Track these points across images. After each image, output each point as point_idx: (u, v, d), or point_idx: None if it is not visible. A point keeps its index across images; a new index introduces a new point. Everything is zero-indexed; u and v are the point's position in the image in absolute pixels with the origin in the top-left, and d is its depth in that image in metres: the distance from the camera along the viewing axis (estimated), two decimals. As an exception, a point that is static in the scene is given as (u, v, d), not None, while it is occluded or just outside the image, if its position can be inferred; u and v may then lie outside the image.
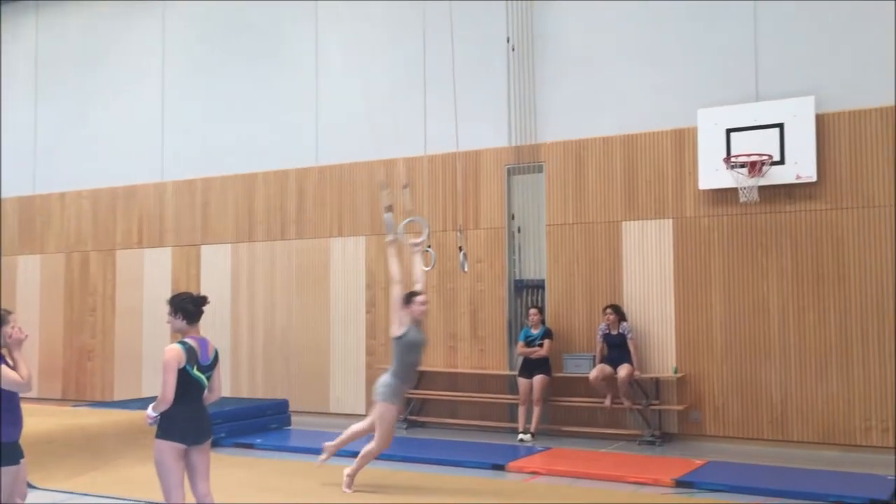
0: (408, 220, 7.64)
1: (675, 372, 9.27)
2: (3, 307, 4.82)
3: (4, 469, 4.58)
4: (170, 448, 4.74)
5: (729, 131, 8.97)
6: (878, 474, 7.30)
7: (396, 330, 6.94)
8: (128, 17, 13.34)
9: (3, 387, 4.52)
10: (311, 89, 11.81)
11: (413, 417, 10.57)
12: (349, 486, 7.01)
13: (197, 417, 4.86)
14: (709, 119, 9.11)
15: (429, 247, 9.30)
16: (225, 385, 10.68)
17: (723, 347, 9.13)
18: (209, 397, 4.98)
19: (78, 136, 13.61)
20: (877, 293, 8.46)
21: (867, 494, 6.59)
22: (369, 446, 7.01)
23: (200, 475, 4.91)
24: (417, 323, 6.96)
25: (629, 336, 9.27)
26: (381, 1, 11.32)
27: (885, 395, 8.35)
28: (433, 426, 10.46)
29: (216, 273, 12.22)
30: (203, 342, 4.92)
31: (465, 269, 9.56)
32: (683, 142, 9.41)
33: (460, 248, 9.44)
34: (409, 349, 6.90)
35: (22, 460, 4.72)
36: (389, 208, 7.76)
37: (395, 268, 7.20)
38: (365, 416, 10.89)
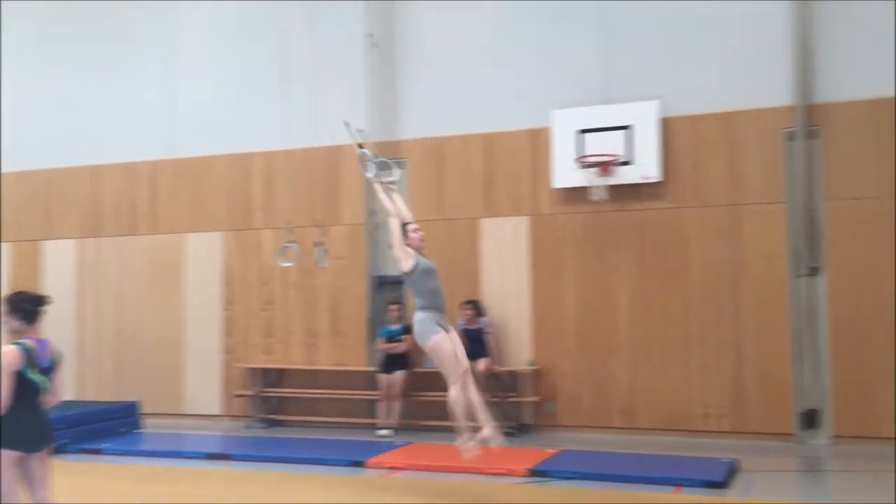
0: (378, 159, 7.37)
1: (531, 365, 9.56)
2: None
3: None
4: (6, 456, 4.45)
5: (581, 132, 9.33)
6: (714, 458, 7.79)
7: (406, 265, 6.57)
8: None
9: None
10: (166, 79, 11.37)
11: (272, 416, 10.40)
12: (471, 440, 6.63)
13: (36, 423, 4.59)
14: (562, 120, 9.44)
15: (292, 241, 9.18)
16: (70, 387, 10.12)
17: (576, 340, 9.49)
18: (49, 401, 4.71)
19: None
20: (715, 288, 9.02)
21: (704, 477, 7.02)
22: (450, 394, 6.57)
23: (39, 483, 4.64)
24: (419, 251, 6.73)
25: (487, 331, 9.47)
26: (239, -10, 11.04)
27: (721, 384, 8.93)
28: (293, 425, 10.33)
29: (59, 270, 11.56)
30: (42, 343, 4.66)
31: (325, 265, 9.47)
32: (538, 141, 9.70)
33: (318, 244, 9.34)
34: (425, 277, 6.62)
35: None
36: (361, 146, 7.45)
37: (386, 201, 6.88)
38: (221, 415, 10.66)
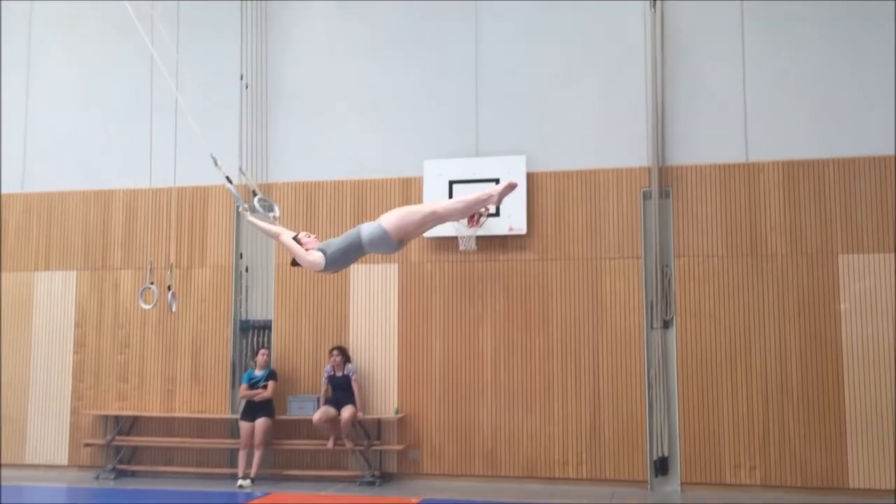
0: (258, 197, 7.05)
1: (397, 412, 9.55)
2: None
3: None
4: None
5: (451, 182, 9.52)
6: (571, 504, 7.99)
7: (319, 264, 5.79)
8: None
9: None
10: (20, 108, 10.82)
11: (122, 467, 9.87)
12: None
13: None
14: (433, 170, 9.62)
15: (151, 283, 8.84)
16: None
17: (441, 388, 9.56)
18: None
19: None
20: (575, 337, 9.34)
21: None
22: None
23: None
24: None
25: (353, 377, 9.41)
26: (101, 21, 10.69)
27: (580, 431, 9.20)
28: (146, 475, 9.85)
29: None
30: None
31: (174, 309, 9.13)
32: (410, 189, 9.82)
33: (169, 288, 9.04)
34: (344, 254, 5.85)
35: None
36: (228, 179, 7.23)
37: (265, 224, 6.53)
38: (68, 466, 10.02)
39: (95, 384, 10.21)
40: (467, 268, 9.62)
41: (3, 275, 10.58)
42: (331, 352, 9.50)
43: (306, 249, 5.91)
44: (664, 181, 9.26)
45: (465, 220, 9.12)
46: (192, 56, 10.00)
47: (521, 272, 9.52)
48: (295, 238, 6.27)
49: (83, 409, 10.13)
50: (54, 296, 10.43)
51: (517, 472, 9.27)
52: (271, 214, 7.05)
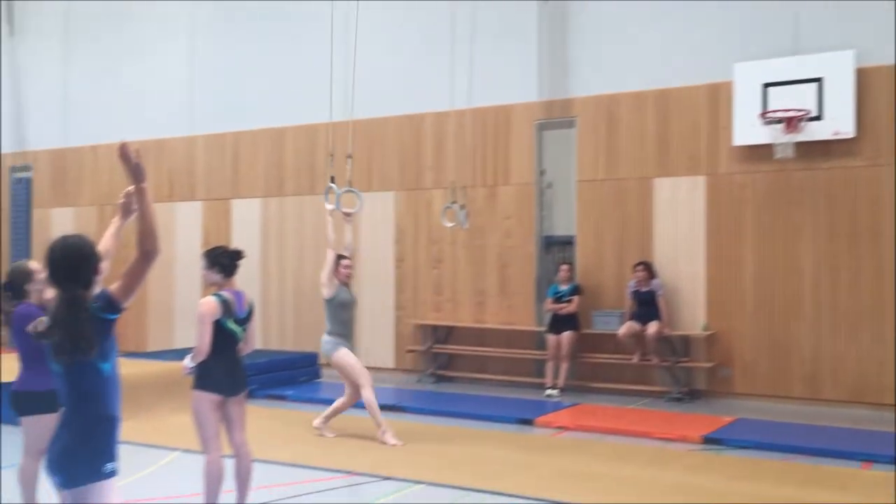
0: (345, 189, 7.58)
1: (705, 329, 9.25)
2: (26, 261, 4.89)
3: (41, 417, 4.48)
4: (207, 399, 4.81)
5: (766, 86, 8.80)
6: (909, 433, 7.26)
7: (327, 293, 7.18)
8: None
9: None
10: (341, 43, 11.71)
11: (441, 372, 10.66)
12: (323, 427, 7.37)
13: (232, 369, 4.93)
14: (745, 73, 8.94)
15: (453, 202, 9.28)
16: (257, 337, 10.81)
17: (754, 305, 9.07)
18: (244, 349, 5.04)
19: (109, 90, 13.63)
20: (913, 252, 8.33)
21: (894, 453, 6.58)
22: (365, 396, 7.20)
23: (236, 425, 4.99)
24: (345, 285, 7.29)
25: (659, 293, 9.23)
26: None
27: (918, 355, 8.27)
28: (461, 381, 10.55)
29: (247, 227, 12.30)
30: (238, 295, 4.97)
31: (465, 226, 9.53)
32: (718, 97, 9.24)
33: (462, 206, 9.36)
34: (341, 309, 7.21)
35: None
36: (332, 178, 7.71)
37: (331, 232, 7.34)
38: (394, 369, 11.04)
39: (414, 296, 11.05)
40: (784, 177, 8.91)
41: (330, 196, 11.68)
42: (635, 267, 9.38)
43: (336, 276, 7.16)
44: None
45: (781, 125, 8.45)
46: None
47: (848, 181, 8.62)
48: (338, 257, 7.24)
49: (405, 318, 11.03)
50: (377, 215, 11.34)
51: (841, 395, 8.60)
52: (351, 210, 7.48)
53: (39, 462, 4.66)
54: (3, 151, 14.63)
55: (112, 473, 3.01)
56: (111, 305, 2.99)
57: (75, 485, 2.96)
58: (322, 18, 11.77)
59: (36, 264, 4.73)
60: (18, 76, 14.50)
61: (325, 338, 7.28)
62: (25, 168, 14.48)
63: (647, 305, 9.26)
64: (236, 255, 5.02)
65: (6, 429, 7.00)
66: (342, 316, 7.24)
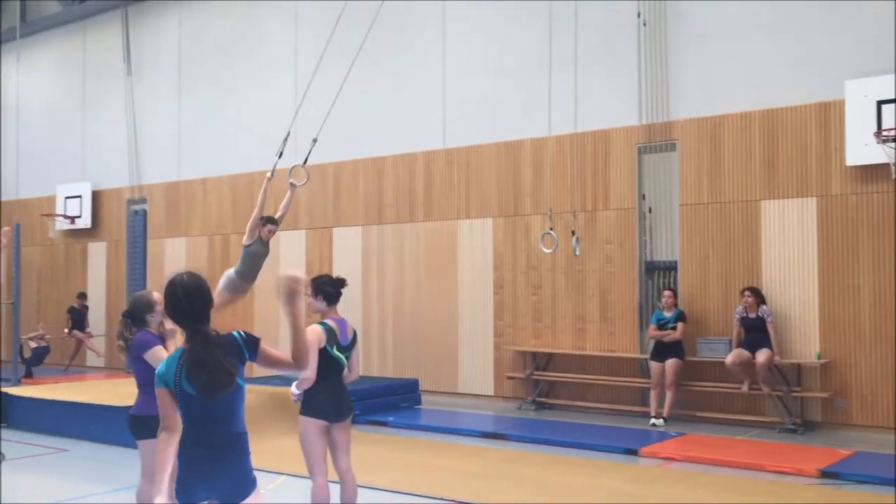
0: (294, 165, 8.60)
1: (819, 357, 8.85)
2: (148, 291, 5.11)
3: (153, 441, 4.68)
4: (313, 424, 4.90)
5: (880, 103, 8.43)
6: None
7: (247, 240, 8.35)
8: (263, 9, 13.82)
9: (154, 365, 4.77)
10: (437, 73, 11.90)
11: (542, 399, 10.56)
12: None
13: (338, 396, 5.00)
14: (857, 90, 8.59)
15: (551, 229, 9.26)
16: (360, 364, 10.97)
17: (872, 332, 8.63)
18: (348, 376, 5.11)
19: (218, 124, 14.23)
20: None
21: None
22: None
23: (342, 450, 5.05)
24: (263, 242, 8.32)
25: (769, 320, 8.90)
26: (507, -19, 11.25)
27: None
28: (562, 408, 10.42)
29: (348, 254, 12.55)
30: (342, 323, 5.06)
31: (577, 253, 9.49)
32: (829, 115, 8.91)
33: (573, 233, 9.32)
34: (253, 257, 8.32)
35: None
36: (280, 154, 8.75)
37: (260, 199, 8.36)
38: (493, 396, 11.00)
39: (513, 322, 11.00)
40: (902, 198, 8.48)
41: (430, 224, 11.82)
42: (742, 292, 9.08)
43: (259, 231, 8.29)
44: None
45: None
46: (588, 1, 10.07)
47: (974, 200, 8.13)
48: (266, 218, 8.34)
49: (504, 344, 10.99)
50: (475, 241, 11.39)
51: (972, 430, 8.06)
52: (299, 182, 8.49)
53: None
54: (121, 185, 15.43)
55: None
56: (253, 348, 3.34)
57: (244, 496, 3.16)
58: (421, 50, 12.03)
59: (158, 295, 4.94)
60: (135, 114, 15.30)
61: (230, 272, 8.52)
62: (142, 201, 15.22)
63: (755, 332, 8.94)
64: (340, 284, 5.11)
65: (123, 451, 7.32)
66: (250, 263, 8.39)
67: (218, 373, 3.14)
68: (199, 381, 3.11)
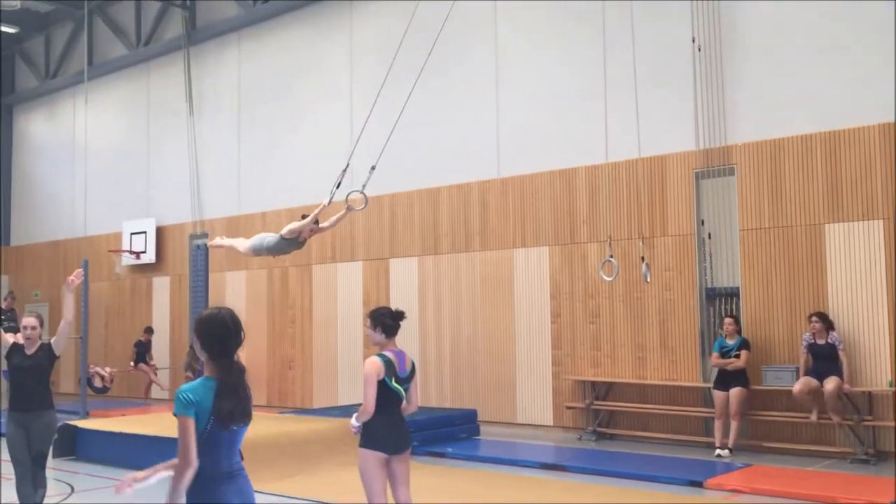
0: (353, 191, 8.55)
1: (891, 385, 8.55)
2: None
3: None
4: (373, 457, 4.92)
5: (948, 121, 8.19)
6: None
7: (287, 234, 8.17)
8: (317, 43, 14.11)
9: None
10: (490, 101, 11.96)
11: (602, 429, 10.40)
12: None
13: (397, 428, 5.01)
14: (922, 110, 8.37)
15: (611, 256, 9.15)
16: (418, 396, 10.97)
17: (947, 359, 8.32)
18: (407, 408, 5.12)
19: (276, 159, 14.52)
20: None
21: None
22: None
23: (401, 482, 5.06)
24: (302, 241, 8.24)
25: (840, 346, 8.62)
26: (560, 5, 11.28)
27: None
28: (623, 438, 10.24)
29: (404, 285, 12.61)
30: (400, 355, 5.08)
31: (648, 280, 9.35)
32: (893, 136, 8.68)
33: (643, 259, 9.23)
34: (286, 245, 8.21)
35: None
36: (338, 185, 8.55)
37: (314, 215, 8.19)
38: (551, 426, 10.87)
39: (571, 351, 10.89)
40: (974, 219, 8.19)
41: (486, 253, 11.82)
42: (809, 318, 8.84)
43: (301, 229, 8.18)
44: None
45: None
46: (643, 27, 10.04)
47: None
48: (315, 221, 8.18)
49: (562, 374, 10.88)
50: (531, 270, 11.35)
51: None
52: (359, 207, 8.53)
53: None
54: (184, 221, 15.83)
55: None
56: None
57: None
58: (473, 78, 12.11)
59: None
60: (197, 151, 15.72)
61: (267, 238, 8.35)
62: (203, 235, 15.57)
63: (824, 359, 8.68)
64: (398, 316, 5.14)
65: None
66: (283, 247, 8.25)
67: (247, 402, 3.39)
68: (227, 409, 3.28)
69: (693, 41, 9.99)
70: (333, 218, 8.56)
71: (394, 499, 5.07)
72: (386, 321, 5.10)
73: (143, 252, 16.13)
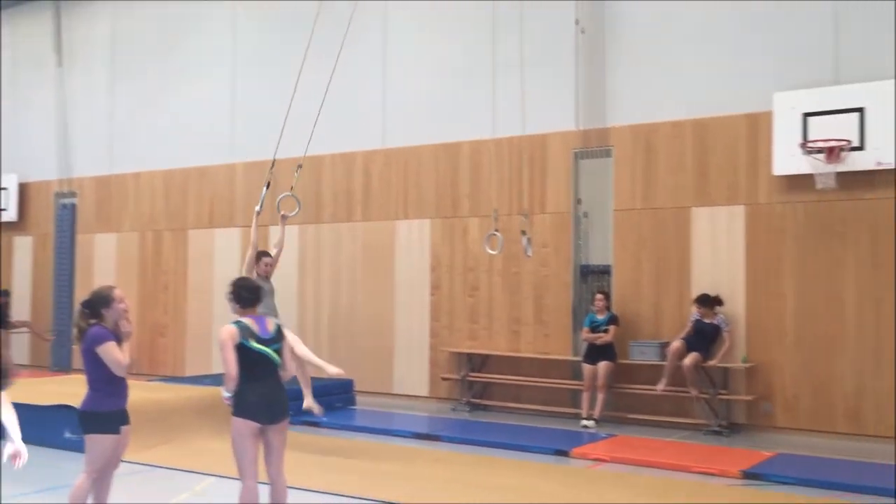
0: (283, 195, 8.33)
1: (745, 361, 9.11)
2: (110, 286, 5.01)
3: (103, 437, 4.77)
4: (244, 426, 4.82)
5: (806, 115, 8.72)
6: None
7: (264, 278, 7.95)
8: (200, 4, 13.57)
9: (105, 361, 4.71)
10: (378, 72, 11.87)
11: (476, 400, 10.62)
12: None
13: (271, 396, 4.91)
14: (785, 103, 8.87)
15: (496, 231, 9.30)
16: (292, 362, 10.85)
17: (795, 338, 8.92)
18: (284, 375, 5.04)
19: (152, 119, 13.92)
20: (960, 285, 8.14)
21: (946, 492, 6.39)
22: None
23: (275, 454, 4.98)
24: (263, 277, 7.95)
25: (725, 328, 9.05)
26: (449, -17, 11.28)
27: (966, 391, 8.06)
28: (496, 410, 10.49)
29: (284, 253, 12.35)
30: (260, 319, 5.01)
31: (529, 254, 9.54)
32: (758, 126, 9.18)
33: (524, 233, 9.42)
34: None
35: (123, 428, 4.89)
36: (267, 184, 8.43)
37: (254, 235, 8.14)
38: (427, 397, 11.02)
39: (449, 323, 11.04)
40: (825, 208, 8.79)
41: (368, 224, 11.78)
42: (694, 301, 9.21)
43: (257, 270, 7.89)
44: None
45: (822, 155, 8.38)
46: (530, 7, 10.16)
47: (892, 212, 8.47)
48: (260, 253, 8.07)
49: (439, 346, 11.02)
50: (412, 242, 11.39)
51: (887, 431, 8.38)
52: (291, 213, 8.23)
53: (93, 481, 4.78)
54: (50, 178, 14.98)
55: None
56: None
57: None
58: (363, 51, 11.96)
59: (119, 292, 4.90)
60: (66, 105, 14.88)
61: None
62: (71, 194, 14.81)
63: (703, 338, 9.06)
64: (255, 290, 5.10)
65: (49, 452, 7.11)
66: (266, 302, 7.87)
67: None
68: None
69: (577, 23, 10.21)
70: (277, 239, 8.45)
71: (265, 469, 5.00)
72: (242, 293, 5.07)
73: (4, 210, 15.19)
